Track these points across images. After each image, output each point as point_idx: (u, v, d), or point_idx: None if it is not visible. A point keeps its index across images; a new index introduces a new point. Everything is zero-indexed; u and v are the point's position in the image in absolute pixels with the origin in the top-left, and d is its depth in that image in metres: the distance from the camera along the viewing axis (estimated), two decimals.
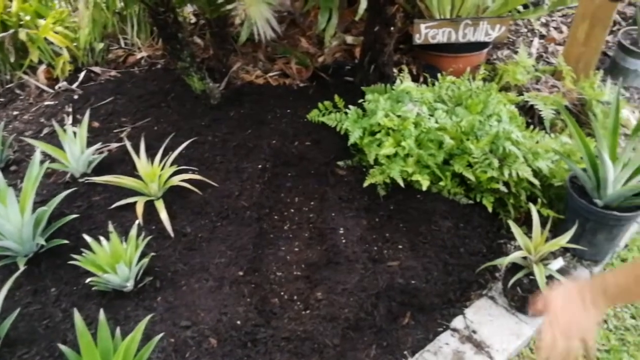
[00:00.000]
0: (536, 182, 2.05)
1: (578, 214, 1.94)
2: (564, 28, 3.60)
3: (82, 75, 3.08)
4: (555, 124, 2.55)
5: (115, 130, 2.63)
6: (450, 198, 2.16)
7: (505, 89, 2.75)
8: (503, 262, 1.78)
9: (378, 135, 2.20)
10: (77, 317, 1.38)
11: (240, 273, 1.88)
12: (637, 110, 2.99)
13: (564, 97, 2.61)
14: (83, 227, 2.00)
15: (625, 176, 1.84)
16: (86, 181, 2.18)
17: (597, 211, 1.89)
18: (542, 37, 3.54)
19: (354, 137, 2.24)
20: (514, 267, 1.83)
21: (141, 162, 2.16)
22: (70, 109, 2.78)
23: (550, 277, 1.78)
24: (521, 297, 1.81)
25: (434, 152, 2.11)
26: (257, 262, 1.95)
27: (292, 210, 2.19)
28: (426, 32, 2.78)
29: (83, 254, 1.73)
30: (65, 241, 1.88)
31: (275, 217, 2.15)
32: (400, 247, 2.01)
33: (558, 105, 2.44)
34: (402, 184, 2.09)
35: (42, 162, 2.08)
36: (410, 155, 2.11)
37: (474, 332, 1.79)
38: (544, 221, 1.88)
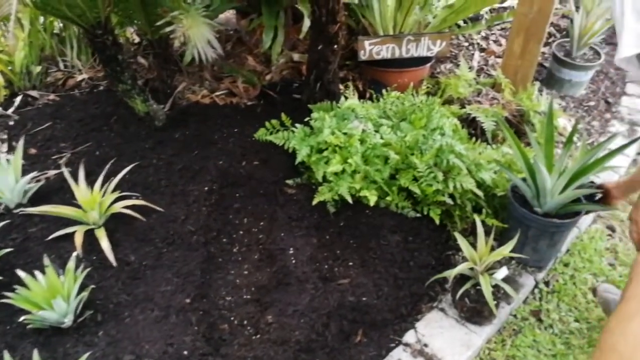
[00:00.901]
0: (480, 193, 2.10)
1: (520, 223, 1.99)
2: (503, 41, 3.73)
3: (18, 100, 2.95)
4: (497, 135, 2.62)
5: (53, 157, 2.53)
6: (398, 212, 2.18)
7: (448, 102, 2.81)
8: (451, 274, 1.81)
9: (325, 153, 2.21)
10: None
11: (187, 300, 1.82)
12: (574, 119, 3.12)
13: (504, 108, 2.69)
14: (18, 262, 1.90)
15: (562, 184, 1.90)
16: (21, 212, 2.07)
17: (538, 219, 1.95)
18: (482, 50, 3.66)
19: (301, 156, 2.23)
20: (462, 278, 1.86)
21: (80, 189, 2.08)
22: (5, 136, 2.66)
23: (496, 287, 1.81)
24: (470, 307, 1.83)
25: (380, 167, 2.13)
26: (205, 287, 1.90)
27: (241, 232, 2.15)
28: (370, 49, 2.82)
29: (16, 291, 1.64)
30: None
31: (224, 240, 2.11)
32: (350, 263, 2.01)
33: (497, 117, 2.51)
34: (350, 200, 2.09)
35: None
36: (357, 171, 2.12)
37: (426, 345, 1.80)
38: (489, 230, 1.92)
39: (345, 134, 2.18)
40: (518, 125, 2.67)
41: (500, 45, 3.68)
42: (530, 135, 2.04)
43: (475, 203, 2.18)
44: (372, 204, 2.07)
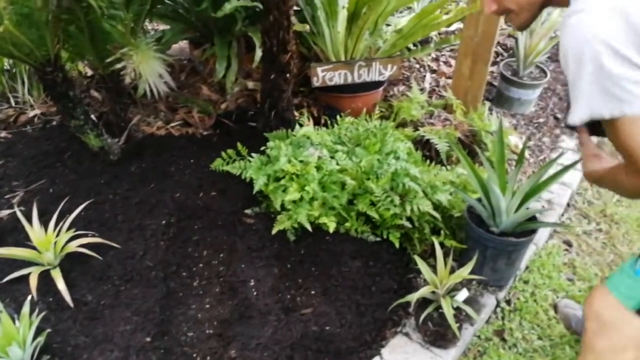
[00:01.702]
0: (437, 215, 2.15)
1: (478, 243, 2.04)
2: (453, 62, 3.86)
3: None
4: (451, 156, 2.70)
5: (6, 196, 2.46)
6: (358, 237, 2.21)
7: (402, 125, 2.88)
8: (413, 298, 1.83)
9: (282, 181, 2.22)
10: None
11: (148, 339, 1.80)
12: (524, 136, 3.25)
13: (456, 129, 2.78)
14: None
15: (516, 203, 1.96)
16: None
17: (495, 239, 2.00)
18: (433, 71, 3.78)
19: (258, 185, 2.24)
20: (425, 302, 1.88)
21: (34, 230, 2.04)
22: None
23: (458, 309, 1.85)
24: (433, 331, 1.85)
25: (337, 193, 2.16)
26: (166, 324, 1.88)
27: (201, 265, 2.14)
28: (323, 75, 2.88)
29: None
30: None
31: (184, 274, 2.09)
32: (312, 292, 2.02)
33: (450, 139, 2.60)
34: (309, 228, 2.11)
35: None
36: (315, 198, 2.14)
37: None
38: (448, 252, 1.97)
39: (301, 161, 2.21)
40: (471, 145, 2.76)
41: (450, 66, 3.80)
42: (482, 155, 2.11)
43: (434, 225, 2.23)
44: (331, 230, 2.09)
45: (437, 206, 2.19)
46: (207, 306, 1.98)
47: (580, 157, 1.46)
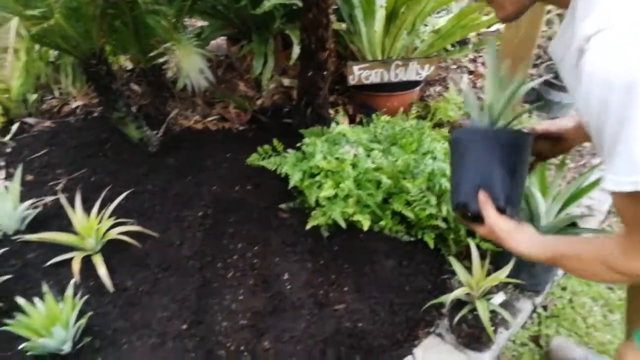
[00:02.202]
0: None
1: None
2: None
3: (15, 127, 2.98)
4: None
5: (50, 183, 2.55)
6: (392, 236, 2.21)
7: (438, 125, 2.87)
8: (447, 299, 1.82)
9: (317, 178, 2.24)
10: None
11: (184, 326, 1.84)
12: None
13: None
14: (17, 288, 1.91)
15: (556, 208, 1.92)
16: (19, 239, 2.08)
17: None
18: (470, 72, 3.74)
19: (294, 180, 2.26)
20: (459, 303, 1.87)
21: (77, 216, 2.10)
22: (2, 163, 2.68)
23: (494, 312, 1.83)
24: (468, 333, 1.84)
25: (372, 192, 2.17)
26: (201, 313, 1.92)
27: (236, 257, 2.17)
28: (359, 74, 2.88)
29: (16, 319, 1.65)
30: None
31: (219, 265, 2.13)
32: (345, 289, 2.03)
33: None
34: (343, 225, 2.12)
35: None
36: (350, 196, 2.15)
37: None
38: (483, 254, 1.95)
39: (337, 158, 2.22)
40: None
41: None
42: None
43: None
44: (365, 228, 2.10)
45: None
46: (241, 297, 2.01)
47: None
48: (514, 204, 1.11)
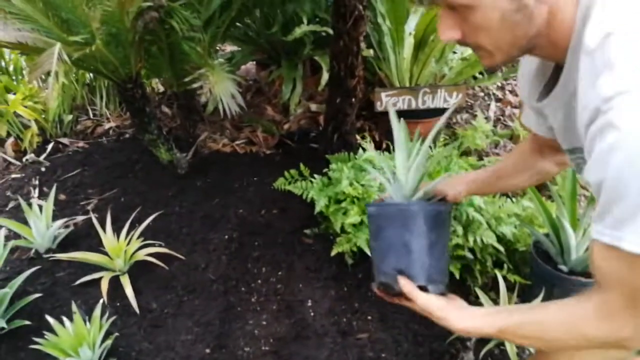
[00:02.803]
0: (500, 247, 2.10)
1: (544, 280, 1.96)
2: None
3: (50, 146, 3.08)
4: None
5: (82, 203, 2.61)
6: None
7: (465, 153, 2.86)
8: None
9: (343, 204, 2.25)
10: None
11: (207, 350, 1.84)
12: None
13: None
14: (46, 306, 1.96)
15: (587, 242, 1.88)
16: (51, 258, 2.14)
17: (563, 277, 1.90)
18: (498, 100, 3.73)
19: (319, 206, 2.27)
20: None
21: (107, 237, 2.15)
22: (36, 182, 2.77)
23: (521, 347, 1.79)
24: None
25: None
26: (224, 337, 1.92)
27: (260, 282, 2.18)
28: (387, 100, 2.90)
29: (45, 337, 1.69)
30: (28, 322, 1.83)
31: (243, 289, 2.14)
32: (369, 317, 2.01)
33: None
34: (369, 252, 2.11)
35: (6, 237, 2.05)
36: None
37: None
38: (511, 286, 1.91)
39: (363, 185, 2.23)
40: None
41: (517, 95, 3.74)
42: (553, 190, 2.06)
43: (496, 258, 2.18)
44: None
45: (500, 238, 2.14)
46: (264, 323, 2.01)
47: None
48: (437, 280, 1.06)
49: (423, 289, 1.03)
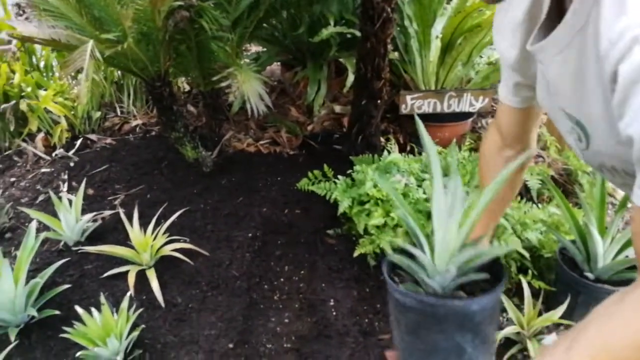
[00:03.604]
0: (526, 253, 2.08)
1: (570, 287, 1.93)
2: None
3: (78, 142, 3.15)
4: (542, 194, 2.61)
5: (109, 198, 2.66)
6: None
7: None
8: (497, 336, 1.78)
9: (367, 205, 2.25)
10: None
11: (230, 345, 1.86)
12: None
13: (550, 167, 2.70)
14: (75, 297, 2.00)
15: (615, 249, 1.85)
16: (80, 250, 2.19)
17: (589, 284, 1.87)
18: None
19: (343, 207, 2.28)
20: (508, 342, 1.82)
21: (134, 231, 2.19)
22: (66, 176, 2.83)
23: None
24: None
25: (423, 222, 2.15)
26: (247, 333, 1.94)
27: (282, 280, 2.20)
28: (412, 103, 2.90)
29: (74, 326, 1.72)
30: (57, 312, 1.87)
31: (265, 286, 2.16)
32: (391, 319, 2.01)
33: (543, 176, 2.52)
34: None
35: (37, 229, 2.10)
36: (400, 225, 2.15)
37: None
38: (535, 292, 1.89)
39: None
40: (565, 184, 2.66)
41: None
42: (582, 196, 2.03)
43: (520, 263, 2.16)
44: None
45: (525, 245, 2.12)
46: (287, 321, 2.02)
47: None
48: None
49: None
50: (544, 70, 0.86)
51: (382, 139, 2.92)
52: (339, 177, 2.47)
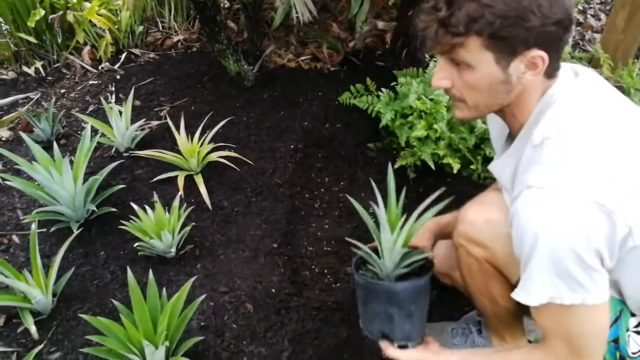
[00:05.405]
0: None
1: None
2: (602, 15, 3.57)
3: (123, 56, 3.19)
4: None
5: (155, 109, 2.73)
6: (481, 182, 2.20)
7: None
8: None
9: (410, 118, 2.25)
10: (130, 275, 1.50)
11: (275, 245, 1.96)
12: None
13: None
14: (128, 197, 2.11)
15: None
16: (131, 155, 2.29)
17: None
18: (579, 24, 3.52)
19: (385, 120, 2.29)
20: None
21: (181, 138, 2.26)
22: (113, 88, 2.90)
23: None
24: None
25: (465, 136, 2.15)
26: (290, 236, 2.04)
27: (323, 190, 2.26)
28: None
29: (131, 221, 1.84)
30: (114, 209, 2.00)
31: (307, 195, 2.23)
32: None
33: None
34: (433, 166, 2.14)
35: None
36: (442, 138, 2.15)
37: None
38: None
39: (431, 99, 2.21)
40: None
41: (599, 19, 3.52)
42: None
43: None
44: (455, 171, 2.10)
45: None
46: (326, 226, 2.11)
47: None
48: (415, 338, 1.27)
49: (403, 346, 1.26)
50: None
51: (427, 55, 2.85)
52: (383, 90, 2.45)
